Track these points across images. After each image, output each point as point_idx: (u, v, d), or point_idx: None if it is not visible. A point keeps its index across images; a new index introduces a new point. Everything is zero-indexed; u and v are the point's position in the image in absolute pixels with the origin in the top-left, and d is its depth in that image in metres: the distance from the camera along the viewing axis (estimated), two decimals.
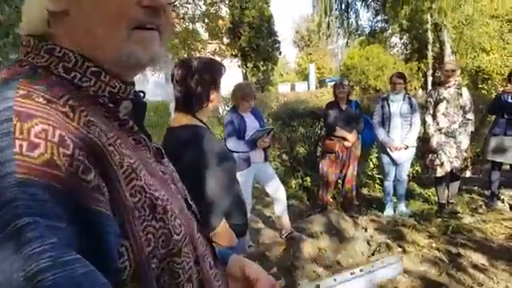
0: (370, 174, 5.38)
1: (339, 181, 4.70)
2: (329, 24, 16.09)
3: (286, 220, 3.75)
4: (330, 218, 3.98)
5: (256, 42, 6.91)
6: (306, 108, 5.28)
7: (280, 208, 3.68)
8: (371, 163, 5.39)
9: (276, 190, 3.63)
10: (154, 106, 6.89)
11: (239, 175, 3.45)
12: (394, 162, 4.30)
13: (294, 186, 5.17)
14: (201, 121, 1.53)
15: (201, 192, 1.41)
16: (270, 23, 7.28)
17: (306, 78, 28.65)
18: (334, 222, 3.91)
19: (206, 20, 6.73)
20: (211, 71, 1.52)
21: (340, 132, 4.33)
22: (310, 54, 33.16)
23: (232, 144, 3.36)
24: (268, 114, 5.37)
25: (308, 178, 5.08)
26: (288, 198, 5.02)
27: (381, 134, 4.27)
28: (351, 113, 4.41)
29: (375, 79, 15.02)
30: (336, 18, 16.27)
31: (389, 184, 4.48)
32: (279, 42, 7.62)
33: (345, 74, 15.09)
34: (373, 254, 3.23)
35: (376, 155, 5.32)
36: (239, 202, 1.63)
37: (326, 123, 4.56)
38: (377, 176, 5.30)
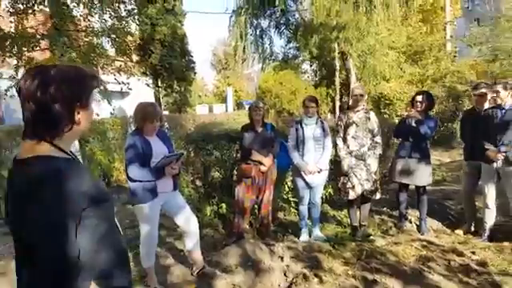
0: (285, 197, 5.30)
1: (255, 206, 4.51)
2: (244, 48, 16.47)
3: (197, 254, 3.38)
4: (246, 248, 3.73)
5: (168, 60, 6.52)
6: (220, 130, 5.03)
7: (191, 242, 3.31)
8: (286, 187, 5.33)
9: (187, 221, 3.26)
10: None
11: (143, 208, 3.06)
12: (308, 186, 4.26)
13: (208, 214, 4.82)
14: (61, 150, 1.15)
15: (60, 251, 1.02)
16: (183, 42, 6.98)
17: (223, 100, 28.86)
18: (250, 252, 3.67)
19: (113, 35, 6.18)
20: (75, 83, 1.15)
21: (256, 156, 4.17)
22: (228, 77, 33.62)
23: (134, 172, 2.93)
24: (179, 137, 5.01)
25: (223, 205, 4.79)
26: (203, 226, 4.69)
27: (295, 157, 4.21)
28: (267, 136, 4.29)
29: (289, 103, 15.62)
30: (251, 43, 16.74)
31: (303, 208, 4.41)
32: (194, 62, 7.35)
33: (260, 96, 15.42)
34: (289, 287, 3.03)
35: (291, 178, 5.28)
36: (121, 256, 1.26)
37: (241, 146, 4.36)
38: (292, 199, 5.24)
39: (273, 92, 15.30)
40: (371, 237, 4.26)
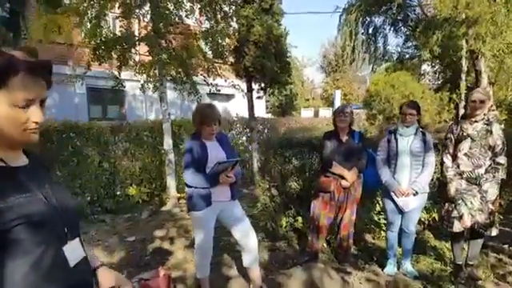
0: (376, 218, 4.58)
1: (335, 225, 3.96)
2: (354, 48, 15.49)
3: (255, 273, 3.05)
4: (314, 274, 3.25)
5: (260, 61, 6.32)
6: (306, 136, 4.60)
7: (249, 258, 3.00)
8: (378, 206, 4.59)
9: (245, 235, 2.96)
10: (150, 126, 6.43)
11: (198, 215, 2.85)
12: (400, 210, 3.53)
13: (284, 226, 4.45)
14: None
15: None
16: (279, 43, 6.70)
17: (331, 104, 27.94)
18: (318, 279, 3.19)
19: (210, 38, 6.28)
20: None
21: (337, 168, 3.63)
22: (337, 79, 32.46)
23: (188, 177, 2.77)
24: (258, 142, 4.74)
25: (300, 218, 4.35)
26: (276, 239, 4.36)
27: (384, 174, 3.54)
28: (353, 146, 3.71)
29: None
30: (362, 42, 15.67)
31: (392, 236, 3.69)
32: (289, 64, 7.00)
33: (368, 101, 14.23)
34: None
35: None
36: None
37: (321, 156, 3.87)
38: (383, 222, 4.49)
39: (382, 96, 13.94)
40: (480, 281, 3.33)
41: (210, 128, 2.81)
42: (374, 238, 4.63)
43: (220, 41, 6.43)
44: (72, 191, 5.24)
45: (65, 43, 7.09)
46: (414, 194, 3.45)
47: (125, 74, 6.48)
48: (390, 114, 14.24)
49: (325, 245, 4.18)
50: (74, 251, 1.12)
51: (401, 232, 3.68)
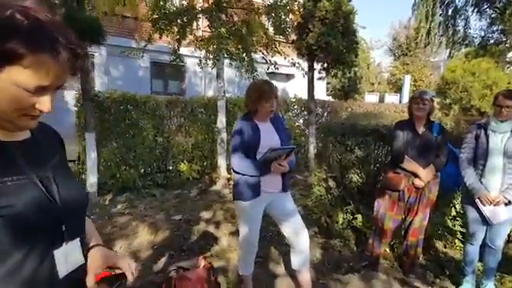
0: (450, 224, 3.96)
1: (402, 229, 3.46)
2: (429, 31, 14.04)
3: (305, 276, 2.69)
4: (374, 283, 2.82)
5: (325, 39, 5.76)
6: (368, 124, 4.07)
7: (298, 260, 2.64)
8: (454, 210, 3.97)
9: (295, 234, 2.60)
10: (205, 103, 6.25)
11: (244, 205, 2.48)
12: (485, 221, 2.93)
13: (340, 222, 4.01)
14: None
15: None
16: (347, 20, 6.06)
17: (398, 89, 26.15)
18: None
19: (273, 13, 5.85)
20: None
21: (410, 164, 3.10)
22: (407, 64, 30.17)
23: (236, 162, 2.46)
24: (316, 127, 4.28)
25: (359, 216, 3.88)
26: (330, 236, 3.96)
27: (469, 176, 2.94)
28: (430, 139, 3.14)
29: (480, 99, 12.51)
30: (439, 24, 14.16)
31: (473, 249, 3.10)
32: (357, 43, 6.35)
33: (442, 89, 12.87)
34: None
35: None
36: None
37: (391, 148, 3.34)
38: (459, 230, 3.88)
39: (460, 84, 12.51)
40: None
41: (270, 104, 2.45)
42: (445, 247, 4.03)
43: (284, 16, 5.98)
44: (126, 163, 5.26)
45: (129, 16, 7.10)
46: (506, 204, 2.84)
47: (186, 50, 6.31)
48: (467, 105, 12.79)
49: (387, 250, 3.69)
50: (68, 257, 0.85)
51: (483, 246, 3.08)
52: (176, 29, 5.29)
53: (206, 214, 4.31)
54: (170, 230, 3.85)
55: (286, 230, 2.61)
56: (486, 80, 12.47)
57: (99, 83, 10.68)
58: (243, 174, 2.45)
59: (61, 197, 0.85)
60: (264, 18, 6.10)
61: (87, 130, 4.27)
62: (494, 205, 2.84)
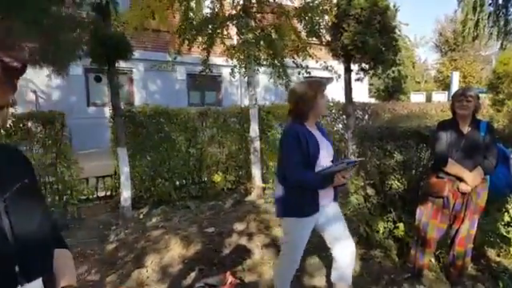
0: (503, 230, 3.56)
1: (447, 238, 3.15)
2: (477, 23, 13.11)
3: None
4: None
5: (362, 38, 5.48)
6: (409, 126, 3.77)
7: (340, 273, 2.47)
8: (507, 216, 3.56)
9: (340, 245, 2.44)
10: (237, 112, 6.20)
11: (296, 223, 2.33)
12: None
13: (381, 231, 3.74)
14: None
15: None
16: (385, 17, 5.74)
17: (446, 87, 24.74)
18: None
19: (303, 15, 5.71)
20: None
21: (454, 168, 2.82)
22: (455, 59, 28.50)
23: (296, 174, 2.29)
24: (352, 131, 4.04)
25: (401, 225, 3.58)
26: (370, 246, 3.70)
27: None
28: (477, 140, 2.84)
29: None
30: (489, 14, 13.19)
31: None
32: (396, 40, 6.00)
33: (494, 83, 11.91)
34: None
35: None
36: None
37: (433, 151, 3.06)
38: None
39: None
40: None
41: (325, 98, 2.40)
42: (499, 256, 3.63)
43: (317, 18, 5.80)
44: (160, 176, 5.32)
45: (162, 30, 7.25)
46: None
47: (221, 60, 6.32)
48: None
49: (433, 260, 3.37)
50: None
51: None
52: (202, 38, 5.29)
53: (239, 226, 4.21)
54: (202, 243, 3.79)
55: (332, 239, 2.46)
56: None
57: (138, 98, 11.05)
58: (300, 187, 2.30)
59: (14, 232, 0.75)
60: (296, 21, 5.97)
61: (119, 145, 4.37)
62: None
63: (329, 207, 2.42)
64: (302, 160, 2.25)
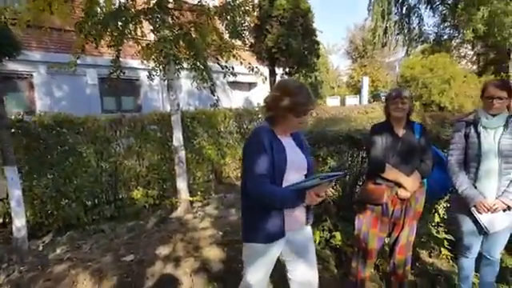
0: (434, 231, 3.59)
1: (385, 246, 3.03)
2: (386, 30, 14.20)
3: None
4: None
5: (285, 41, 5.34)
6: (340, 130, 3.63)
7: None
8: (437, 216, 3.60)
9: (307, 272, 2.11)
10: (157, 119, 5.60)
11: (256, 250, 1.90)
12: (482, 230, 2.54)
13: (317, 241, 3.51)
14: None
15: None
16: (306, 19, 5.70)
17: (358, 91, 26.62)
18: None
19: (225, 14, 5.34)
20: None
21: (392, 173, 2.68)
22: (365, 65, 30.85)
23: (259, 188, 1.85)
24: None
25: (338, 234, 3.41)
26: None
27: (462, 182, 2.55)
28: (413, 142, 2.74)
29: (440, 94, 12.69)
30: (395, 23, 14.38)
31: (468, 263, 2.73)
32: (318, 44, 6.00)
33: (402, 86, 12.98)
34: None
35: (445, 204, 3.56)
36: None
37: (369, 156, 2.90)
38: (444, 237, 3.52)
39: (419, 81, 12.64)
40: None
41: (300, 119, 1.93)
42: (431, 256, 3.67)
43: (239, 19, 5.48)
44: (65, 196, 4.49)
45: (64, 29, 6.35)
46: (504, 210, 2.47)
47: (138, 63, 5.67)
48: (427, 101, 12.94)
49: (373, 270, 3.23)
50: None
51: (479, 258, 2.71)
52: (109, 35, 4.59)
53: (163, 250, 3.67)
54: (118, 276, 3.18)
55: (293, 274, 2.10)
56: (444, 75, 12.69)
57: (40, 105, 9.70)
58: (264, 209, 1.87)
59: None
60: (217, 22, 5.58)
61: (6, 163, 3.52)
62: (492, 212, 2.47)
63: (299, 233, 2.05)
64: (268, 170, 1.85)
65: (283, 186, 1.89)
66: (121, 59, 5.10)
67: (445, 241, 3.54)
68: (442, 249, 3.59)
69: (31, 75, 9.74)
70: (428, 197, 2.87)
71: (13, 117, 4.34)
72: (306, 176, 2.02)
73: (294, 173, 1.94)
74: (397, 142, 2.73)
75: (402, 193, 2.67)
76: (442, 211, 3.61)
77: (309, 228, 2.13)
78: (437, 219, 3.62)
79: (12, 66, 9.20)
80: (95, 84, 10.81)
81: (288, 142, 1.99)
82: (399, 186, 2.67)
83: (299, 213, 2.00)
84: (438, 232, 3.63)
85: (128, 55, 7.04)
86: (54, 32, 8.69)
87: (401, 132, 2.76)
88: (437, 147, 3.09)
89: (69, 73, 9.06)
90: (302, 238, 2.06)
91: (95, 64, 10.06)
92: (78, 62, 5.10)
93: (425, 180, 2.80)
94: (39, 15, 4.79)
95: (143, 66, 5.46)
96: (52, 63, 9.16)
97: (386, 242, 2.99)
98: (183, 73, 5.35)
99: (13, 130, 4.17)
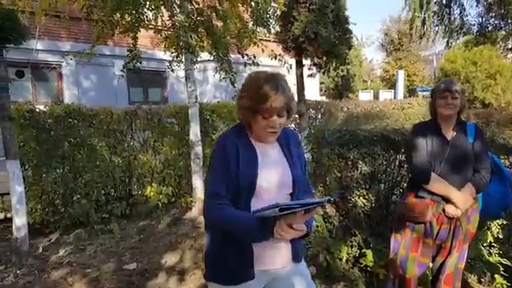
0: (485, 254, 3.03)
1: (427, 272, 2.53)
2: (424, 20, 13.23)
3: None
4: None
5: (314, 29, 4.80)
6: (372, 129, 3.12)
7: None
8: (489, 234, 3.03)
9: None
10: (175, 111, 5.27)
11: None
12: None
13: (344, 259, 3.05)
14: None
15: None
16: (338, 5, 5.15)
17: (392, 85, 25.43)
18: None
19: (253, 2, 4.93)
20: None
21: (439, 185, 2.19)
22: (400, 59, 29.42)
23: (213, 212, 1.39)
24: (304, 136, 3.31)
25: (368, 253, 2.92)
26: (332, 279, 3.00)
27: None
28: (465, 147, 2.23)
29: (484, 90, 11.67)
30: (434, 13, 13.37)
31: None
32: (351, 33, 5.43)
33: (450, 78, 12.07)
34: None
35: (500, 221, 2.99)
36: None
37: (410, 163, 2.39)
38: (503, 261, 2.95)
39: (461, 75, 11.65)
40: None
41: (267, 122, 1.40)
42: (480, 282, 3.10)
43: (264, 5, 5.05)
44: (75, 192, 4.24)
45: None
46: None
47: (166, 54, 5.38)
48: (469, 97, 11.90)
49: None
50: None
51: None
52: (122, 20, 4.26)
53: (169, 259, 3.33)
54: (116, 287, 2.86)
55: None
56: (489, 69, 11.63)
57: (68, 96, 9.73)
58: (227, 238, 1.41)
59: None
60: (241, 9, 5.16)
61: (8, 157, 3.29)
62: None
63: (288, 274, 1.52)
64: (228, 188, 1.38)
65: (255, 207, 1.36)
66: (148, 50, 4.81)
67: (499, 266, 2.97)
68: (496, 275, 3.02)
69: (60, 65, 9.76)
70: (482, 216, 2.34)
71: (25, 106, 4.13)
72: (291, 196, 1.49)
73: (274, 192, 1.43)
74: (445, 147, 2.22)
75: (451, 210, 2.17)
76: (495, 229, 3.04)
77: (300, 266, 1.57)
78: (489, 238, 3.05)
79: (42, 56, 9.36)
80: (123, 75, 10.70)
81: (266, 151, 1.47)
82: (447, 201, 2.17)
83: (278, 247, 1.46)
84: (490, 254, 3.06)
85: (156, 46, 6.81)
86: (84, 22, 8.62)
87: (450, 134, 2.24)
88: (492, 153, 2.53)
89: (97, 63, 8.98)
90: (287, 280, 1.52)
91: (123, 55, 9.95)
92: (107, 52, 4.87)
93: (479, 195, 2.27)
94: (57, 3, 4.56)
95: (170, 57, 5.14)
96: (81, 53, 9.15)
97: (430, 266, 2.48)
98: (210, 65, 4.99)
99: (21, 121, 3.97)
